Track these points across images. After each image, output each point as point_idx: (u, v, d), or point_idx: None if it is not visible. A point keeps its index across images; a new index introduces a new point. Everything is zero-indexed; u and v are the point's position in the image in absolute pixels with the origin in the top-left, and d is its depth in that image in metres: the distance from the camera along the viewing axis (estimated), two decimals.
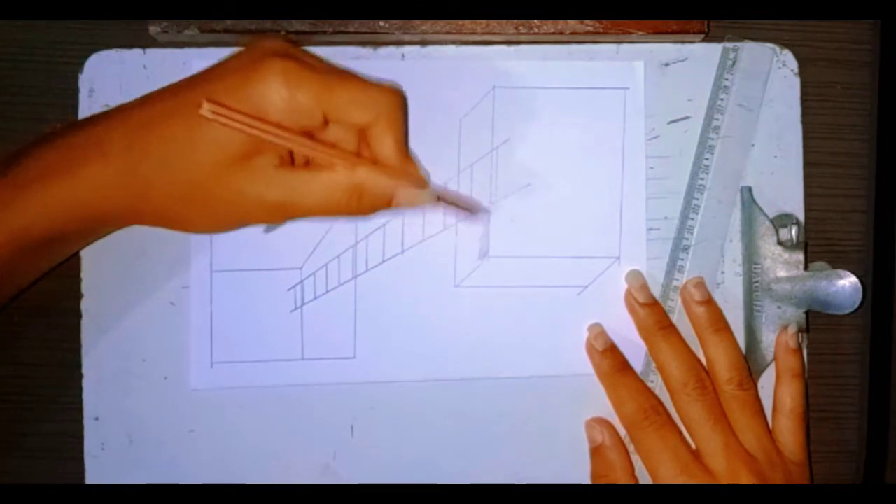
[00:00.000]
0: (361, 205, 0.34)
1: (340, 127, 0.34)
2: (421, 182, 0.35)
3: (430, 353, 0.40)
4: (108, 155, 0.33)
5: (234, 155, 0.33)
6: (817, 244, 0.43)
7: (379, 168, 0.34)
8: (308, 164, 0.35)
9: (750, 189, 0.41)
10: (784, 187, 0.42)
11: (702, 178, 0.41)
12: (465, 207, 0.39)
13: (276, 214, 0.34)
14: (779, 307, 0.40)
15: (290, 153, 0.35)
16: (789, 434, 0.39)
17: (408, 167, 0.35)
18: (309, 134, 0.33)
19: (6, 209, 0.32)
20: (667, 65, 0.42)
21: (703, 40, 0.42)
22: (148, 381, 0.39)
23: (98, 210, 0.34)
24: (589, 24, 0.40)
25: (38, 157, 0.33)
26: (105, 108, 0.39)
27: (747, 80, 0.41)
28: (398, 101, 0.34)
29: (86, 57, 0.39)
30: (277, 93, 0.32)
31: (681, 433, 0.38)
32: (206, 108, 0.31)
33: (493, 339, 0.40)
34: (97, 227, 0.36)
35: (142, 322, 0.39)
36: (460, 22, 0.40)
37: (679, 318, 0.41)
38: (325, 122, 0.33)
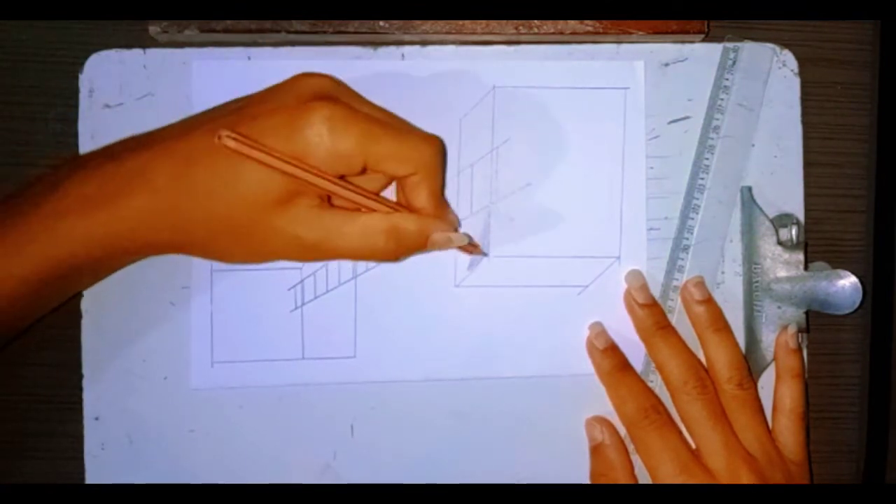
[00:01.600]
0: (398, 248, 0.34)
1: (378, 174, 0.35)
2: (454, 225, 0.36)
3: (430, 353, 0.40)
4: (154, 188, 0.33)
5: (276, 195, 0.32)
6: (817, 244, 0.43)
7: (415, 213, 0.35)
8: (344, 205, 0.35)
9: (750, 189, 0.41)
10: (784, 187, 0.42)
11: (702, 178, 0.41)
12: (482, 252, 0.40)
13: (313, 254, 0.34)
14: (779, 307, 0.40)
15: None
16: (789, 434, 0.39)
17: (442, 214, 0.36)
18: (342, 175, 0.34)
19: (46, 238, 0.32)
20: (667, 65, 0.42)
21: (703, 40, 0.42)
22: (148, 381, 0.39)
23: (139, 241, 0.34)
24: (589, 24, 0.40)
25: (78, 185, 0.33)
26: (105, 109, 0.39)
27: (747, 80, 0.41)
28: (438, 153, 0.35)
29: (86, 57, 0.39)
30: (321, 139, 0.32)
31: (681, 433, 0.38)
32: (224, 138, 0.31)
33: (493, 339, 0.40)
34: (135, 256, 0.36)
35: (142, 322, 0.39)
36: (460, 22, 0.40)
37: (679, 318, 0.41)
38: (364, 169, 0.34)
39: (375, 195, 0.35)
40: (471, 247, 0.39)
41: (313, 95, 0.33)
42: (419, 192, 0.35)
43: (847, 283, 0.39)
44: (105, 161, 0.33)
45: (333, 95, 0.33)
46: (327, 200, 0.35)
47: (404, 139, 0.34)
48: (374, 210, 0.34)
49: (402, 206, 0.36)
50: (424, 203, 0.35)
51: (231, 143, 0.31)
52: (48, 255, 0.32)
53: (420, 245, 0.35)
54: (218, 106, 0.35)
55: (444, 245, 0.36)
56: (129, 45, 0.39)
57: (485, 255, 0.40)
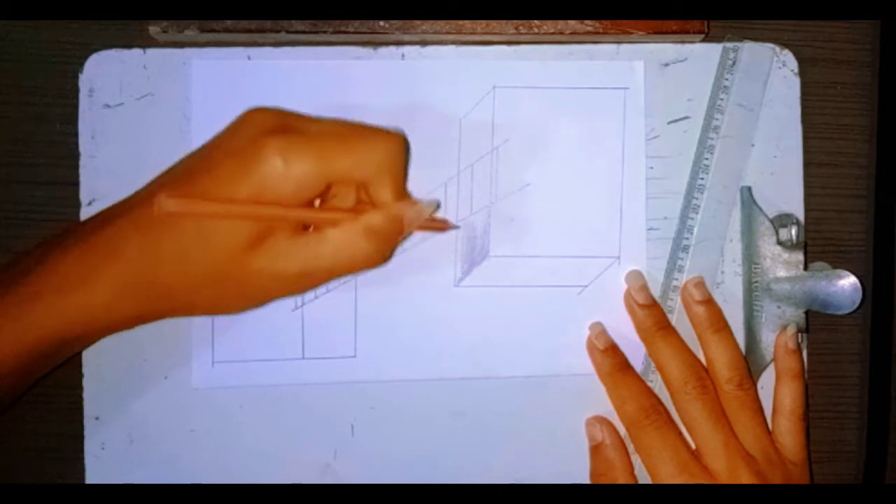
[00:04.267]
0: (381, 245, 0.34)
1: (339, 188, 0.34)
2: (423, 208, 0.35)
3: (430, 353, 0.40)
4: (124, 260, 0.32)
5: (247, 239, 0.32)
6: (817, 244, 0.43)
7: (382, 207, 0.34)
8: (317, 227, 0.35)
9: (750, 189, 0.41)
10: (784, 187, 0.42)
11: (702, 178, 0.41)
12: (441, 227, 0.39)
13: (303, 283, 0.34)
14: (778, 307, 0.40)
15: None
16: (789, 435, 0.39)
17: (405, 199, 0.35)
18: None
19: (24, 318, 0.32)
20: (667, 65, 0.42)
21: (703, 40, 0.42)
22: (149, 381, 0.39)
23: (118, 315, 0.33)
24: (589, 24, 0.40)
25: (53, 265, 0.33)
26: (105, 108, 0.39)
27: (747, 80, 0.41)
28: (397, 148, 0.34)
29: (86, 57, 0.39)
30: (278, 173, 0.32)
31: (681, 433, 0.38)
32: (164, 204, 0.31)
33: (493, 339, 0.40)
34: (120, 328, 0.35)
35: None
36: (460, 22, 0.40)
37: (679, 319, 0.41)
38: (329, 186, 0.33)
39: (340, 209, 0.34)
40: (440, 223, 0.38)
41: (262, 132, 0.32)
42: (383, 189, 0.34)
43: (847, 283, 0.39)
44: (78, 238, 0.33)
45: (281, 126, 0.33)
46: (302, 228, 0.34)
47: (358, 147, 0.33)
48: (343, 223, 0.34)
49: (367, 206, 0.35)
50: (389, 198, 0.34)
51: (172, 207, 0.31)
52: (26, 336, 0.32)
53: (397, 233, 0.35)
54: (178, 162, 0.35)
55: (418, 218, 0.35)
56: (129, 45, 0.39)
57: (457, 227, 0.40)
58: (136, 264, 0.32)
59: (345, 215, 0.34)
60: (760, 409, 0.39)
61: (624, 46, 0.41)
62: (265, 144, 0.32)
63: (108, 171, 0.39)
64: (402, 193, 0.35)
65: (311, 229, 0.34)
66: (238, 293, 0.34)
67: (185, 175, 0.33)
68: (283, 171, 0.32)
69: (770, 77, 0.42)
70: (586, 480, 0.40)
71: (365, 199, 0.35)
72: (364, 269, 0.34)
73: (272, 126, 0.33)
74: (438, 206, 0.37)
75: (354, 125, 0.35)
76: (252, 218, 0.32)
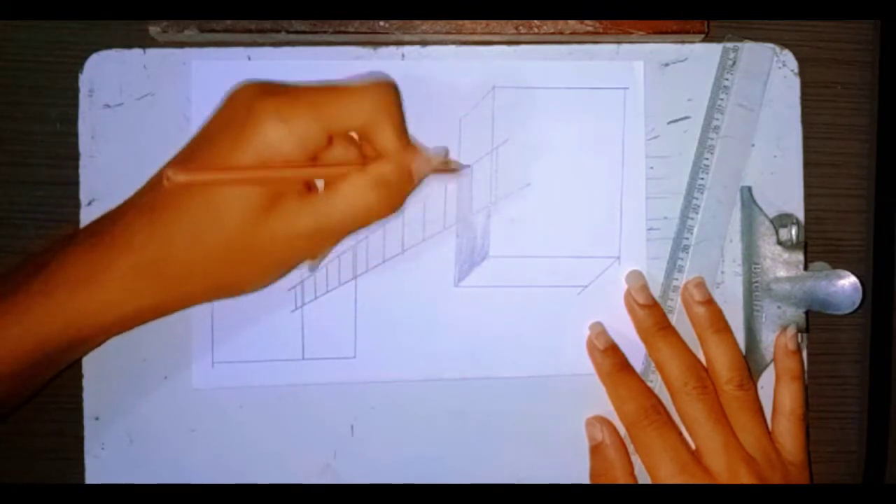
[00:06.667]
0: (391, 195, 0.34)
1: (341, 142, 0.34)
2: (430, 154, 0.36)
3: (430, 353, 0.40)
4: (133, 248, 0.32)
5: (257, 205, 0.32)
6: (817, 244, 0.43)
7: (388, 156, 0.34)
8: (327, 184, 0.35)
9: (750, 189, 0.41)
10: (784, 187, 0.42)
11: (702, 178, 0.41)
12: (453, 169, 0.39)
13: (318, 243, 0.34)
14: (779, 307, 0.40)
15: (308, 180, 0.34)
16: (789, 435, 0.39)
17: (412, 147, 0.35)
18: (314, 158, 0.33)
19: (34, 318, 0.32)
20: (667, 65, 0.42)
21: (703, 40, 0.42)
22: (148, 381, 0.39)
23: (134, 305, 0.33)
24: (589, 24, 0.40)
25: (62, 262, 0.33)
26: (105, 108, 0.39)
27: (747, 80, 0.41)
28: (388, 91, 0.34)
29: (86, 57, 0.39)
30: (277, 132, 0.32)
31: (681, 433, 0.38)
32: (172, 178, 0.31)
33: (493, 339, 0.40)
34: (141, 319, 0.35)
35: None
36: (460, 22, 0.40)
37: (679, 319, 0.41)
38: (331, 139, 0.33)
39: (346, 162, 0.34)
40: (450, 166, 0.38)
41: (254, 98, 0.33)
42: (383, 134, 0.34)
43: (847, 283, 0.39)
44: (87, 235, 0.33)
45: (272, 91, 0.33)
46: (309, 189, 0.34)
47: (348, 93, 0.33)
48: (351, 176, 0.34)
49: (372, 155, 0.35)
50: (393, 143, 0.34)
51: (182, 178, 0.31)
52: (37, 335, 0.32)
53: (407, 182, 0.35)
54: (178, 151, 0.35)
55: (427, 168, 0.35)
56: (129, 45, 0.39)
57: (467, 166, 0.40)
58: (148, 250, 0.32)
59: (352, 168, 0.34)
60: (760, 410, 0.39)
61: (624, 46, 0.41)
62: (260, 108, 0.32)
63: (108, 171, 0.39)
64: (405, 137, 0.35)
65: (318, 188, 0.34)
66: (256, 263, 0.34)
67: (188, 154, 0.33)
68: (283, 129, 0.32)
69: (770, 77, 0.42)
70: (586, 480, 0.40)
71: (371, 153, 0.35)
72: (376, 220, 0.34)
73: (263, 92, 0.33)
74: (447, 153, 0.37)
75: (343, 81, 0.35)
76: (261, 181, 0.32)
